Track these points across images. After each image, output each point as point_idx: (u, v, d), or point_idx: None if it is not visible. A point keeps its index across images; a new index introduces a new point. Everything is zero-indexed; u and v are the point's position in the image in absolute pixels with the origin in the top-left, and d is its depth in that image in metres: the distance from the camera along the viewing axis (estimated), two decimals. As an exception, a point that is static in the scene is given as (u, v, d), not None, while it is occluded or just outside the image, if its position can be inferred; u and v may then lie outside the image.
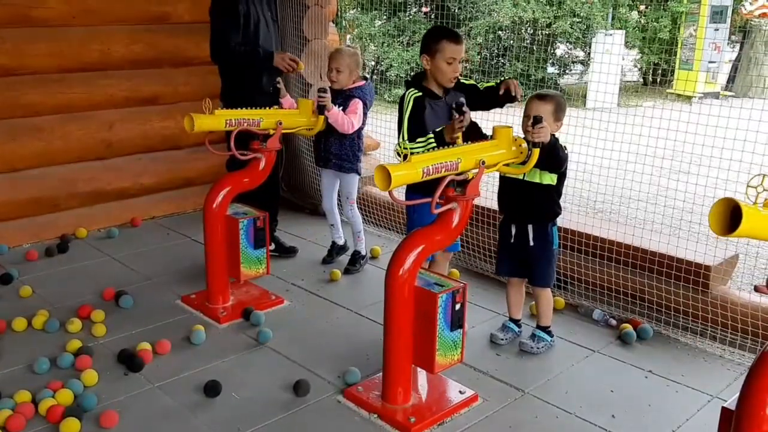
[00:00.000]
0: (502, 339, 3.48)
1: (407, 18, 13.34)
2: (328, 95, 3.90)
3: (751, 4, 13.71)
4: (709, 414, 2.87)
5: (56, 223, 4.82)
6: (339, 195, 4.48)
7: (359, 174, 4.35)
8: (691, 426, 2.86)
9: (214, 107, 3.56)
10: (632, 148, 4.49)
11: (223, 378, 3.07)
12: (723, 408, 2.16)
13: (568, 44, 13.50)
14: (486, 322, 3.70)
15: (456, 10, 12.34)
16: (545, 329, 3.46)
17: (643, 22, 14.23)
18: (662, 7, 13.50)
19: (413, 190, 3.21)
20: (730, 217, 1.81)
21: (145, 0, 4.92)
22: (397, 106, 3.34)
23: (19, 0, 4.39)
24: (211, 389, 2.98)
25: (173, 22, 5.07)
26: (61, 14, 4.59)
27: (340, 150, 4.23)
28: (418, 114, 3.22)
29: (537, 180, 3.22)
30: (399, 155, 3.19)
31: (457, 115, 2.93)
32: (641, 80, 14.57)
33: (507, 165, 2.87)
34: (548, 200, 3.29)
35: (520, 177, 3.20)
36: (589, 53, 13.29)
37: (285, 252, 4.60)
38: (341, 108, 4.06)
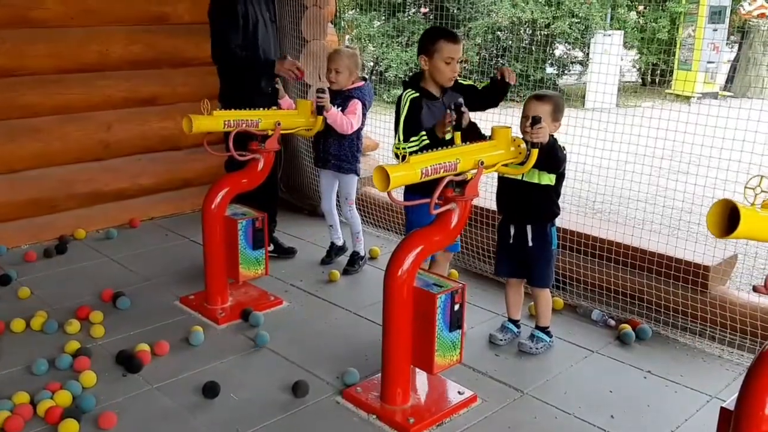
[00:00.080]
0: (501, 339, 3.48)
1: (406, 19, 13.34)
2: (327, 96, 3.90)
3: (749, 4, 13.73)
4: (708, 414, 2.87)
5: (55, 224, 4.81)
6: (338, 196, 4.48)
7: (358, 175, 4.35)
8: (690, 426, 2.86)
9: (213, 108, 3.56)
10: (631, 149, 4.49)
11: (222, 379, 3.07)
12: (722, 408, 2.16)
13: (566, 45, 13.51)
14: (485, 322, 3.70)
15: (455, 11, 12.35)
16: (544, 330, 3.46)
17: (641, 22, 14.24)
18: (661, 8, 13.51)
19: (411, 190, 3.21)
20: (728, 218, 1.81)
21: (144, 0, 4.92)
22: (395, 107, 3.34)
23: (18, 1, 4.39)
24: (210, 390, 2.98)
25: (172, 23, 5.07)
26: (60, 15, 4.58)
27: (339, 151, 4.22)
28: (414, 115, 3.22)
29: (536, 180, 3.22)
30: (397, 156, 3.20)
31: (448, 112, 2.93)
32: (640, 81, 14.57)
33: (506, 165, 2.88)
34: (547, 200, 3.29)
35: (519, 177, 3.20)
36: (587, 54, 13.30)
37: (284, 253, 4.60)
38: (340, 109, 4.06)
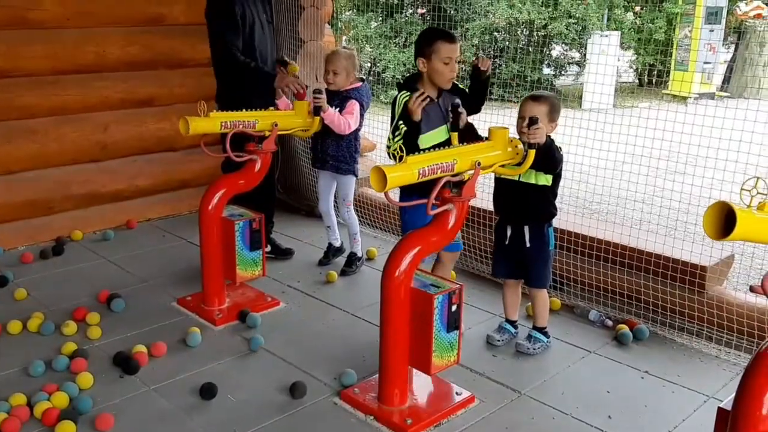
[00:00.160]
0: (499, 340, 3.48)
1: (403, 19, 13.34)
2: (324, 96, 3.90)
3: (746, 5, 13.76)
4: (705, 414, 2.87)
5: (51, 225, 4.80)
6: (335, 197, 4.48)
7: (356, 175, 4.35)
8: (688, 426, 2.86)
9: (210, 109, 3.56)
10: (628, 149, 4.49)
11: (219, 380, 3.06)
12: (719, 408, 2.16)
13: (563, 45, 13.52)
14: (482, 323, 3.70)
15: (452, 12, 12.36)
16: (541, 330, 3.46)
17: (638, 23, 14.26)
18: (657, 8, 13.53)
19: (407, 191, 3.21)
20: (724, 220, 1.82)
21: (141, 2, 4.91)
22: (390, 108, 3.35)
23: (16, 2, 4.38)
24: (207, 391, 2.97)
25: (168, 24, 5.06)
26: (57, 16, 4.57)
27: (337, 152, 4.22)
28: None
29: (532, 181, 3.22)
30: (392, 157, 3.20)
31: (417, 94, 3.07)
32: (637, 81, 14.60)
33: (503, 166, 2.88)
34: (544, 201, 3.29)
35: (516, 178, 3.21)
36: (584, 54, 13.32)
37: (281, 254, 4.60)
38: (338, 109, 4.06)
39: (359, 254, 4.44)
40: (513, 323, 3.56)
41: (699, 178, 4.14)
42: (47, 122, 4.68)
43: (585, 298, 3.91)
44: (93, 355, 3.29)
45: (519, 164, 2.88)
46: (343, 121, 4.04)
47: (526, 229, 3.31)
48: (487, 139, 2.86)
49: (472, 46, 12.49)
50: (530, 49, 12.72)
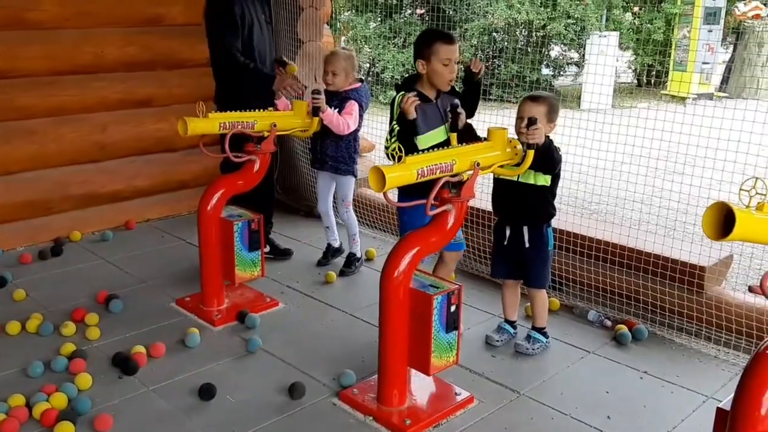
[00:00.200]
0: (498, 340, 3.48)
1: (402, 20, 13.35)
2: (323, 97, 3.90)
3: (744, 5, 13.77)
4: (704, 414, 2.87)
5: (50, 226, 4.80)
6: (334, 197, 4.48)
7: (355, 176, 4.35)
8: (687, 427, 2.86)
9: (208, 110, 3.55)
10: (627, 149, 4.50)
11: (218, 381, 3.06)
12: (718, 408, 2.16)
13: (562, 46, 13.54)
14: (481, 323, 3.70)
15: (450, 12, 12.37)
16: (540, 330, 3.46)
17: (637, 23, 14.27)
18: (656, 9, 13.54)
19: (406, 192, 3.21)
20: (723, 221, 1.82)
21: (139, 2, 4.90)
22: (389, 109, 3.35)
23: (14, 2, 4.38)
24: (206, 392, 2.97)
25: (167, 24, 5.06)
26: (55, 17, 4.57)
27: (336, 152, 4.22)
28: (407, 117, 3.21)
29: (531, 181, 3.22)
30: (390, 158, 3.19)
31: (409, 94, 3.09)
32: (635, 81, 14.60)
33: (502, 167, 2.88)
34: (543, 201, 3.29)
35: (515, 178, 3.21)
36: (583, 55, 13.33)
37: (280, 254, 4.59)
38: (337, 110, 4.06)
39: (358, 255, 4.44)
40: (512, 323, 3.56)
41: (698, 179, 4.15)
42: (46, 123, 4.68)
43: (584, 299, 3.91)
44: (92, 355, 3.29)
45: (518, 165, 2.88)
46: (342, 121, 4.04)
47: (525, 229, 3.31)
48: (485, 139, 2.86)
49: (471, 46, 12.50)
50: (529, 50, 12.73)
